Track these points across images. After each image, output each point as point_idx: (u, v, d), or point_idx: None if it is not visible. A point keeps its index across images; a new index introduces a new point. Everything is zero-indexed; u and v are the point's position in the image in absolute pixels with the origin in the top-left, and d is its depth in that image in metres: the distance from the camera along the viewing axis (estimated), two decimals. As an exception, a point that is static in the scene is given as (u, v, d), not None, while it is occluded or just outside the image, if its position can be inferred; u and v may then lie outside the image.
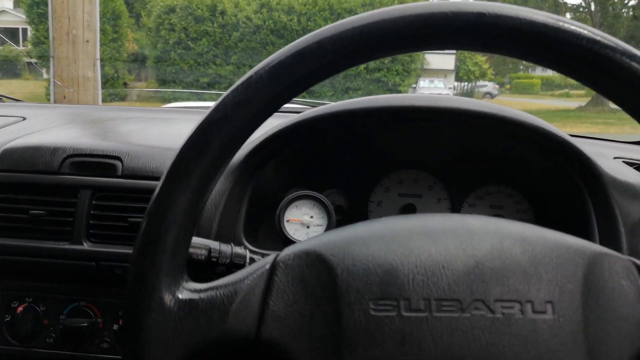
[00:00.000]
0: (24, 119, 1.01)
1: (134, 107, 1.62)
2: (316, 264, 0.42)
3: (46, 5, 2.84)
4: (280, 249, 0.61)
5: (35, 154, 0.76)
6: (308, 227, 0.69)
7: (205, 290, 0.42)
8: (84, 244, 0.73)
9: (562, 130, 0.71)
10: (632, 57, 0.38)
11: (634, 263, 0.43)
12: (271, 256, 0.44)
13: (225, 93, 0.42)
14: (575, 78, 0.42)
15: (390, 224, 0.45)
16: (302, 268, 0.42)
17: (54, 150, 0.76)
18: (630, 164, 0.83)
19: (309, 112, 0.72)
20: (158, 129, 0.97)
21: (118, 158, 0.75)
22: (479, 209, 0.85)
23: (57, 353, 0.74)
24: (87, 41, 2.92)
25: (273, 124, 0.74)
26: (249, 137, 0.44)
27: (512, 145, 0.75)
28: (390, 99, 0.71)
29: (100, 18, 3.00)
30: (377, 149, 0.85)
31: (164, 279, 0.41)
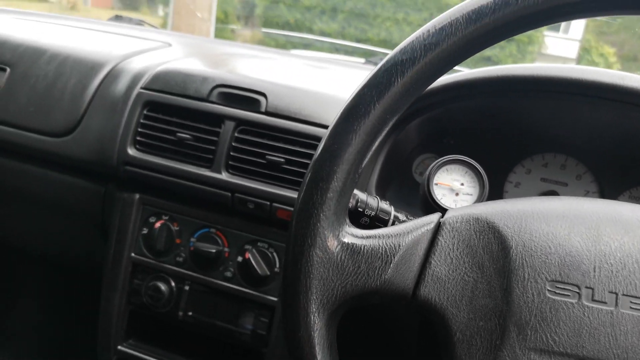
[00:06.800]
0: (170, 45, 1.05)
1: (269, 48, 1.64)
2: (486, 232, 0.39)
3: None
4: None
5: (187, 79, 0.79)
6: (457, 194, 0.65)
7: (367, 237, 0.41)
8: (223, 173, 0.75)
9: None
10: None
11: None
12: (435, 215, 0.42)
13: (413, 35, 0.40)
14: None
15: (573, 203, 0.41)
16: (470, 233, 0.40)
17: (204, 79, 0.78)
18: None
19: (463, 73, 0.68)
20: (301, 72, 0.97)
21: (263, 94, 0.76)
22: None
23: (184, 273, 0.79)
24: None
25: None
26: (429, 85, 0.41)
27: None
28: (549, 68, 0.65)
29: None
30: (524, 124, 0.79)
31: (330, 218, 0.40)
